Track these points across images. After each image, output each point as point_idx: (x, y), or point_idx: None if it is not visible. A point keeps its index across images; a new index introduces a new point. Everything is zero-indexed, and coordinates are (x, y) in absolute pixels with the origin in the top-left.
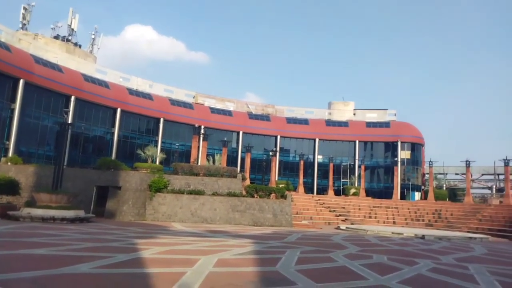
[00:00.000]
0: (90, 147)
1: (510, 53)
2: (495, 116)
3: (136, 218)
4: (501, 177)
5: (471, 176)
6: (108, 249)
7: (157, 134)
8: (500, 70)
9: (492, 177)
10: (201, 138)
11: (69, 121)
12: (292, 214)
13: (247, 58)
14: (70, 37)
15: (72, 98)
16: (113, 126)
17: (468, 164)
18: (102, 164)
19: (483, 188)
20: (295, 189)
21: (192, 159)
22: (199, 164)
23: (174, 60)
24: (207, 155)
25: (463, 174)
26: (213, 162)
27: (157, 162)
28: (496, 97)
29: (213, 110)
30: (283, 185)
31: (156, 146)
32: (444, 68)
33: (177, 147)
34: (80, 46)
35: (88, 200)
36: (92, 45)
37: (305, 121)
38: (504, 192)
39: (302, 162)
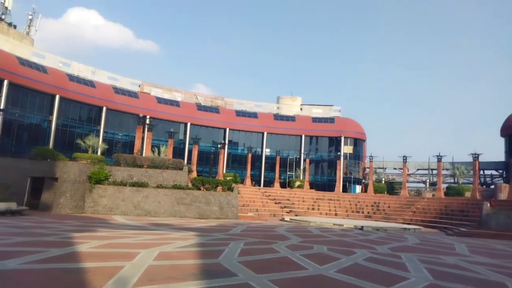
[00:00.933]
0: (25, 135)
1: (448, 56)
2: (430, 115)
3: (74, 211)
4: (434, 172)
5: (408, 170)
6: (40, 244)
7: (99, 124)
8: (437, 70)
9: (426, 171)
10: (146, 129)
11: (1, 107)
12: (238, 207)
13: (198, 49)
14: (3, 16)
15: (5, 82)
16: (51, 113)
17: (405, 159)
18: (37, 154)
19: (418, 182)
20: (242, 181)
21: (136, 150)
22: (143, 155)
23: (121, 48)
24: (152, 146)
25: (400, 168)
26: (159, 153)
27: (99, 153)
28: (432, 96)
29: (160, 100)
30: (230, 178)
31: (98, 136)
32: (387, 66)
33: (120, 137)
34: (15, 27)
35: (22, 192)
36: (29, 27)
37: (254, 115)
38: (436, 186)
39: (250, 155)
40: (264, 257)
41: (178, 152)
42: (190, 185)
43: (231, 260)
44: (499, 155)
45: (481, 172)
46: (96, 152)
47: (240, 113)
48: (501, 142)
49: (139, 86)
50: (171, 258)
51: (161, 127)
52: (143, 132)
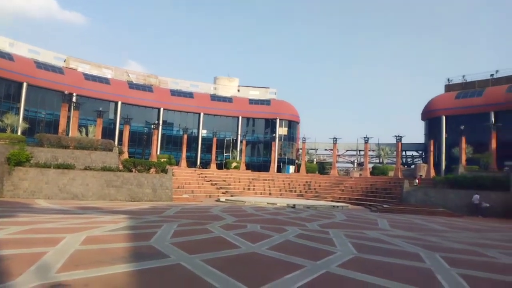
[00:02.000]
0: None
1: (378, 44)
2: (359, 99)
3: None
4: (362, 152)
5: (337, 151)
6: None
7: (19, 101)
8: (368, 58)
9: (354, 152)
10: (72, 107)
11: None
12: (172, 189)
13: (130, 23)
14: None
15: None
16: None
17: (335, 141)
18: None
19: (347, 162)
20: (177, 163)
21: (61, 130)
22: (69, 135)
23: (44, 19)
24: (79, 126)
25: (331, 149)
26: (86, 134)
27: (19, 132)
28: (361, 81)
29: (88, 77)
30: (165, 160)
31: (18, 114)
32: (321, 52)
33: (43, 116)
34: None
35: None
36: None
37: (190, 95)
38: (363, 166)
39: (185, 136)
40: (197, 238)
41: (108, 132)
42: (121, 167)
43: (163, 242)
44: (420, 137)
45: (404, 153)
46: (16, 132)
47: (175, 93)
48: (421, 126)
49: (65, 61)
50: (100, 242)
51: (89, 106)
52: (69, 110)
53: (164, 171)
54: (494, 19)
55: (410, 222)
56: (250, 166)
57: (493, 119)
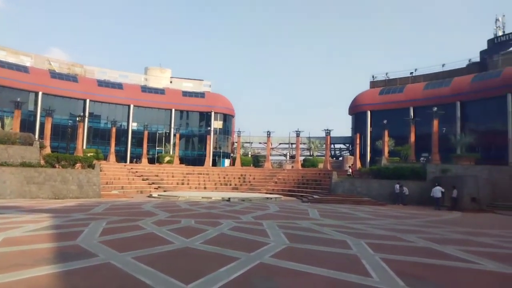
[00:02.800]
0: None
1: (312, 41)
2: (292, 94)
3: None
4: (294, 146)
5: (271, 145)
6: None
7: None
8: (302, 56)
9: (287, 145)
10: None
11: None
12: (100, 185)
13: (54, 8)
14: None
15: None
16: None
17: (268, 134)
18: None
19: (280, 155)
20: (105, 158)
21: None
22: None
23: None
24: None
25: (265, 143)
26: (2, 126)
27: None
28: (294, 77)
29: (3, 64)
30: (91, 154)
31: None
32: (255, 47)
33: None
34: None
35: None
36: None
37: (119, 85)
38: (295, 159)
39: (114, 129)
40: (128, 235)
41: (27, 125)
42: (42, 162)
43: (91, 240)
44: (347, 131)
45: (332, 146)
46: None
47: (102, 83)
48: (349, 120)
49: None
50: (20, 244)
51: (5, 96)
52: None
53: (91, 166)
54: (413, 18)
55: (338, 211)
56: (184, 160)
57: (412, 114)
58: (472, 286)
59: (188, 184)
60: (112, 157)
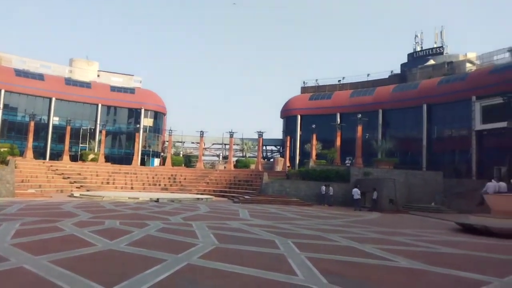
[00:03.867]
0: None
1: (246, 41)
2: (227, 95)
3: None
4: (227, 146)
5: (204, 144)
6: None
7: None
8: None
9: (220, 146)
10: None
11: None
12: (15, 183)
13: None
14: None
15: None
16: None
17: (202, 134)
18: None
19: (213, 155)
20: (22, 154)
21: None
22: None
23: None
24: None
25: (197, 142)
26: None
27: None
28: (229, 78)
29: None
30: (5, 149)
31: None
32: (189, 46)
33: None
34: None
35: None
36: None
37: (39, 76)
38: (228, 159)
39: (32, 123)
40: (45, 237)
41: None
42: None
43: (1, 244)
44: (279, 134)
45: (264, 147)
46: None
47: (21, 73)
48: (281, 123)
49: None
50: None
51: None
52: None
53: (5, 162)
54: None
55: (267, 212)
56: (110, 159)
57: (338, 120)
58: (387, 282)
59: (113, 183)
60: (29, 153)
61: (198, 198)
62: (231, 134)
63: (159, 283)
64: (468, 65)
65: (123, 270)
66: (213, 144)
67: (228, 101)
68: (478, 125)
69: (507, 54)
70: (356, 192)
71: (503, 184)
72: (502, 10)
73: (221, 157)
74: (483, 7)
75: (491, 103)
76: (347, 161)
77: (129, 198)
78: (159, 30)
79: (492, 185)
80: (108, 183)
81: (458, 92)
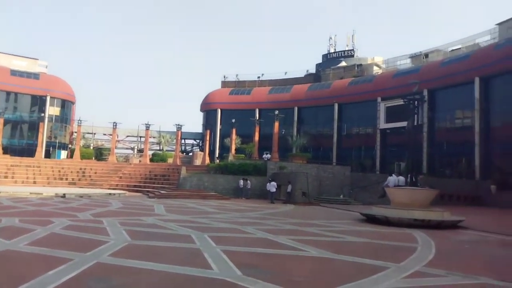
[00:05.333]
0: None
1: (165, 34)
2: (144, 87)
3: None
4: (143, 139)
5: (117, 137)
6: None
7: None
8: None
9: (135, 138)
10: None
11: None
12: None
13: None
14: None
15: None
16: None
17: (115, 125)
18: None
19: (127, 148)
20: None
21: None
22: None
23: None
24: None
25: (110, 134)
26: None
27: None
28: (146, 69)
29: None
30: None
31: None
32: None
33: None
34: None
35: None
36: None
37: None
38: (143, 153)
39: None
40: None
41: None
42: None
43: None
44: (199, 127)
45: (183, 141)
46: None
47: None
48: (201, 116)
49: None
50: None
51: None
52: None
53: None
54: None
55: (184, 206)
56: (9, 150)
57: (257, 115)
58: (298, 270)
59: (13, 177)
60: None
61: (110, 194)
62: (147, 126)
63: (65, 284)
64: (375, 68)
65: (22, 272)
66: (128, 136)
67: (146, 93)
68: (382, 124)
69: (408, 60)
70: (273, 186)
71: (402, 178)
72: (408, 19)
73: (136, 150)
74: (392, 15)
75: (394, 104)
76: (264, 156)
77: (31, 193)
78: (72, 11)
79: (392, 179)
80: (6, 177)
81: (366, 93)
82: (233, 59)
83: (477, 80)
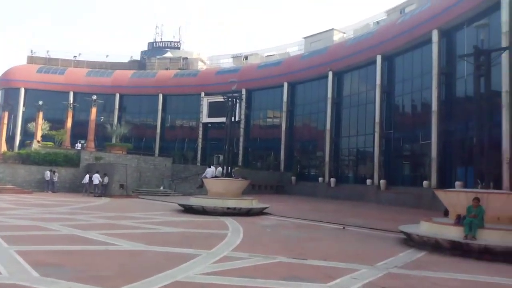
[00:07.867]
0: None
1: None
2: None
3: None
4: None
5: None
6: None
7: None
8: None
9: None
10: None
11: None
12: None
13: None
14: None
15: None
16: None
17: None
18: None
19: None
20: None
21: None
22: None
23: None
24: None
25: None
26: None
27: None
28: None
29: None
30: None
31: None
32: None
33: None
34: None
35: None
36: None
37: None
38: None
39: None
40: None
41: None
42: None
43: None
44: None
45: None
46: None
47: None
48: None
49: None
50: None
51: None
52: None
53: None
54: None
55: None
56: None
57: (71, 99)
58: (107, 265)
59: None
60: None
61: None
62: None
63: None
64: (200, 63)
65: None
66: None
67: None
68: (205, 118)
69: (230, 60)
70: (97, 177)
71: (219, 169)
72: (235, 20)
73: None
74: (218, 15)
75: (216, 100)
76: (77, 145)
77: None
78: None
79: (211, 170)
80: None
81: (190, 87)
82: (45, 31)
83: (285, 85)
